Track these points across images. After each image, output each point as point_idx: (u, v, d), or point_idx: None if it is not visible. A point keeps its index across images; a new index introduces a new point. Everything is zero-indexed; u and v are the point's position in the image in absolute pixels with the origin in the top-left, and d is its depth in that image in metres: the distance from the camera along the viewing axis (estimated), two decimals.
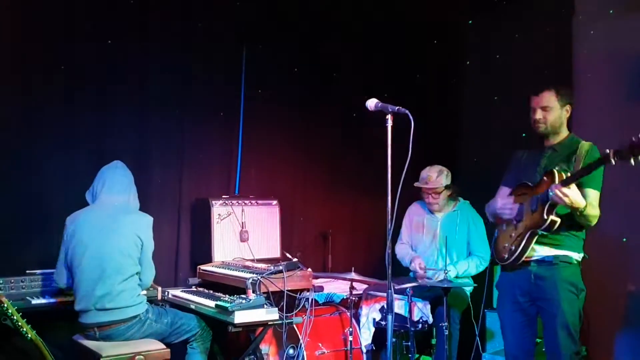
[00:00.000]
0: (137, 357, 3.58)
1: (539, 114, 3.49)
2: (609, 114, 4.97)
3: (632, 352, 4.70)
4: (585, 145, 3.43)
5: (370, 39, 5.88)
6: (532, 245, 3.36)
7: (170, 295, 4.31)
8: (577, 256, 3.43)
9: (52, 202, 4.37)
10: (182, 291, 4.34)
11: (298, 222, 5.59)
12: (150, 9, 4.82)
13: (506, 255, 3.45)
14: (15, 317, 3.30)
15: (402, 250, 5.03)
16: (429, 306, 4.49)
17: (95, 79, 4.58)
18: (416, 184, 4.81)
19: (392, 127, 3.02)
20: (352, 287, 4.37)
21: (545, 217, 3.22)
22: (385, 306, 4.17)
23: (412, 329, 4.22)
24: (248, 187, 5.24)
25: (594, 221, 3.32)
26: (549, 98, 3.48)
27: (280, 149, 5.52)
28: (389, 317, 3.00)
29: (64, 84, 4.46)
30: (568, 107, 3.54)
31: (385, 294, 3.07)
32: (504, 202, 3.56)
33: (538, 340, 3.93)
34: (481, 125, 5.91)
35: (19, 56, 4.29)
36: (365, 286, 4.63)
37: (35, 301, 3.89)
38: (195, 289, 4.41)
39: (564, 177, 3.21)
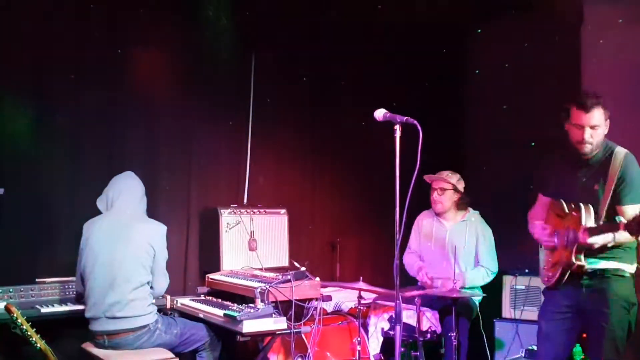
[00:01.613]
0: None
1: (588, 134, 3.28)
2: (618, 124, 4.94)
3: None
4: (619, 155, 3.32)
5: (378, 47, 5.88)
6: (566, 276, 3.34)
7: (179, 304, 4.32)
8: (630, 268, 3.36)
9: (61, 210, 4.41)
10: (190, 300, 4.34)
11: (306, 231, 5.59)
12: (159, 18, 4.86)
13: (545, 279, 3.48)
14: (24, 327, 3.31)
15: (410, 260, 5.02)
16: (437, 316, 4.47)
17: (104, 88, 4.61)
18: (426, 176, 4.81)
19: (400, 136, 3.02)
20: (360, 297, 4.36)
21: (574, 260, 3.23)
22: (393, 316, 4.16)
23: (421, 338, 4.20)
24: (257, 196, 5.25)
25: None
26: (600, 116, 3.28)
27: (288, 158, 5.54)
28: (397, 327, 2.99)
29: (73, 92, 4.49)
30: (608, 122, 3.37)
31: (393, 304, 3.06)
32: (540, 231, 3.51)
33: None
34: (490, 134, 5.90)
35: (29, 65, 4.32)
36: (373, 295, 4.62)
37: (44, 310, 3.89)
38: (203, 298, 4.41)
39: (591, 224, 3.19)
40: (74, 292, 4.07)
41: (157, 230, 3.91)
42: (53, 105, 4.42)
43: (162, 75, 4.88)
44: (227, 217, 4.81)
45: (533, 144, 5.16)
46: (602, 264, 3.31)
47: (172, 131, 4.94)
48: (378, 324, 4.59)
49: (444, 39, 6.14)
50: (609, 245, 3.20)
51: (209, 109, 5.11)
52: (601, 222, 3.22)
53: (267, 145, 5.37)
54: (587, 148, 3.33)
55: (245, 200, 5.21)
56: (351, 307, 4.79)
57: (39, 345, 3.33)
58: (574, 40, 5.20)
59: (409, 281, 4.99)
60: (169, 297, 4.30)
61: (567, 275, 3.32)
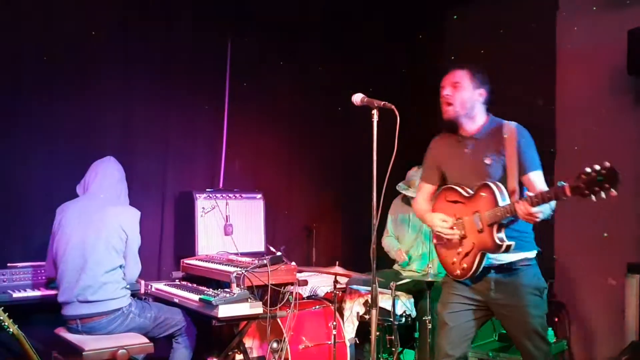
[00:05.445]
0: (120, 351, 3.56)
1: (447, 90, 3.19)
2: (592, 110, 5.02)
3: (610, 344, 4.76)
4: (509, 126, 3.19)
5: (356, 33, 5.87)
6: (482, 264, 3.13)
7: (153, 289, 4.29)
8: (534, 254, 3.23)
9: (35, 193, 4.34)
10: (165, 285, 4.32)
11: (282, 215, 5.59)
12: (133, 1, 4.77)
13: (459, 272, 3.20)
14: None
15: (389, 244, 5.06)
16: (412, 300, 4.51)
17: (80, 71, 4.53)
18: (398, 188, 4.81)
19: (377, 121, 3.02)
20: (336, 281, 4.38)
21: (499, 242, 3.00)
22: (369, 300, 4.18)
23: (396, 322, 4.23)
24: (232, 181, 5.23)
25: None
26: (462, 76, 3.20)
27: (265, 142, 5.52)
28: (373, 312, 3.00)
29: (48, 74, 4.40)
30: (482, 91, 3.24)
31: (368, 288, 3.06)
32: (443, 224, 3.21)
33: None
34: None
35: (1, 48, 4.22)
36: (349, 280, 4.64)
37: (16, 294, 3.86)
38: (178, 283, 4.39)
39: (505, 202, 2.99)
40: (44, 278, 4.03)
41: (131, 215, 3.88)
42: (26, 89, 4.33)
43: (137, 59, 4.80)
44: (202, 201, 4.78)
45: None
46: (509, 257, 3.15)
47: (148, 115, 4.88)
48: (353, 308, 4.61)
49: (420, 25, 6.14)
50: (542, 216, 2.93)
51: (185, 92, 5.06)
52: (519, 196, 2.99)
53: (243, 130, 5.34)
54: (450, 110, 3.20)
55: (221, 185, 5.18)
56: (327, 292, 4.81)
57: (11, 330, 3.28)
58: (550, 27, 5.25)
59: (386, 265, 5.02)
60: (143, 282, 4.27)
61: (484, 263, 3.12)
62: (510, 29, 5.54)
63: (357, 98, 3.10)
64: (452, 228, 3.18)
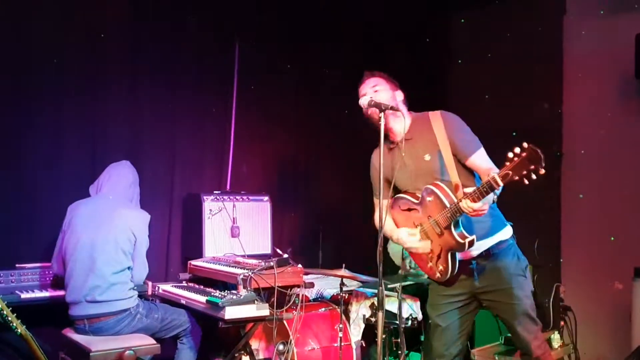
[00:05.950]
0: (127, 352, 3.57)
1: (369, 95, 3.19)
2: (599, 114, 5.02)
3: (617, 349, 4.76)
4: (434, 116, 3.20)
5: (362, 36, 5.88)
6: (457, 260, 3.11)
7: (160, 290, 4.31)
8: (507, 233, 3.18)
9: (42, 195, 4.35)
10: (172, 286, 4.33)
11: (289, 218, 5.60)
12: (141, 2, 4.80)
13: (439, 275, 3.16)
14: (4, 312, 3.28)
15: (395, 249, 5.04)
16: (418, 303, 4.51)
17: (87, 72, 4.55)
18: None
19: (384, 125, 3.02)
20: (342, 284, 4.38)
21: (461, 240, 2.98)
22: (375, 303, 4.19)
23: (402, 325, 4.23)
24: (240, 183, 5.24)
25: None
26: (378, 80, 3.28)
27: (272, 145, 5.53)
28: (380, 314, 3.00)
29: (55, 76, 4.42)
30: (400, 92, 3.31)
31: (375, 291, 3.07)
32: (411, 238, 3.18)
33: None
34: (472, 123, 5.91)
35: (10, 48, 4.25)
36: (355, 283, 4.64)
37: (24, 295, 3.87)
38: (185, 284, 4.40)
39: (450, 200, 2.95)
40: (52, 278, 4.06)
41: (140, 218, 3.91)
42: (34, 90, 4.35)
43: (145, 61, 4.82)
44: (209, 203, 4.79)
45: (515, 133, 5.20)
46: (484, 244, 3.12)
47: (156, 117, 4.90)
48: (360, 311, 4.61)
49: (427, 28, 6.14)
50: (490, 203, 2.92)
51: (193, 95, 5.07)
52: (463, 189, 2.91)
53: (251, 132, 5.35)
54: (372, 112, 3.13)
55: (228, 187, 5.20)
56: (333, 294, 4.82)
57: (19, 330, 3.30)
58: (557, 31, 5.26)
59: (392, 269, 5.02)
60: (150, 283, 4.29)
61: (457, 260, 3.09)
62: (517, 33, 5.55)
63: (365, 101, 3.11)
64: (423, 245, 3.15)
